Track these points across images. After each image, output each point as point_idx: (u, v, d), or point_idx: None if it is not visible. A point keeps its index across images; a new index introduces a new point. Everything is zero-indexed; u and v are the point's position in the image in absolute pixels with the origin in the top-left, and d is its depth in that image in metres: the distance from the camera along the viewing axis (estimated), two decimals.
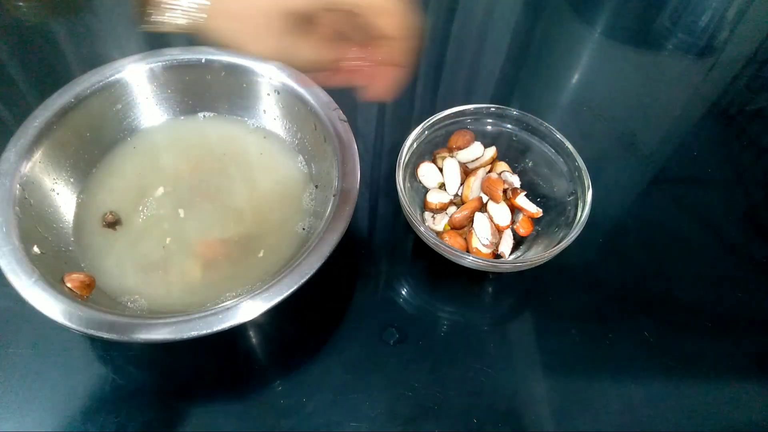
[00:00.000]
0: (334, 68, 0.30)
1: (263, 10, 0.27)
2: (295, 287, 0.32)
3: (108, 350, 0.37)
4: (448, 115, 0.45)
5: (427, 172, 0.45)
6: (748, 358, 0.40)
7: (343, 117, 0.41)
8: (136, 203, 0.42)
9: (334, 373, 0.37)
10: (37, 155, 0.38)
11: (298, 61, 0.29)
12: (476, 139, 0.46)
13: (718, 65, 0.65)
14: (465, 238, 0.42)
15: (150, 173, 0.44)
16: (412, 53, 0.28)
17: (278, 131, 0.47)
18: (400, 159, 0.41)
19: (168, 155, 0.45)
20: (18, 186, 0.36)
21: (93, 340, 0.37)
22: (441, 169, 0.45)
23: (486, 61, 0.63)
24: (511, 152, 0.47)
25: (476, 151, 0.45)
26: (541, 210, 0.43)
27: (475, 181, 0.44)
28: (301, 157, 0.45)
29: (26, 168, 0.37)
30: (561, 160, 0.44)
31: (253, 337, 0.39)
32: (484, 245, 0.41)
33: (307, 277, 0.33)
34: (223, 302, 0.32)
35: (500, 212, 0.42)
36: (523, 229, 0.43)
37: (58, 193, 0.40)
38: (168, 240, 0.40)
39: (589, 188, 0.41)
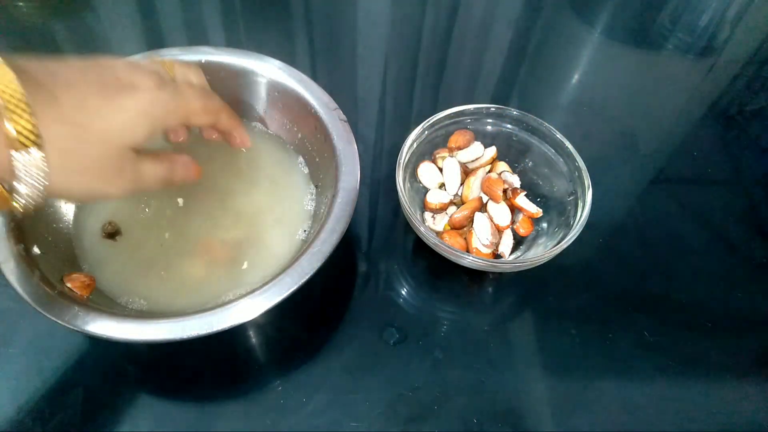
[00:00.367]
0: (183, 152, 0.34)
1: (102, 153, 0.27)
2: (295, 287, 0.32)
3: (108, 350, 0.37)
4: (448, 115, 0.45)
5: (427, 172, 0.45)
6: (748, 358, 0.40)
7: (343, 117, 0.41)
8: (136, 203, 0.42)
9: (334, 373, 0.37)
10: None
11: (150, 183, 0.31)
12: (476, 139, 0.46)
13: (718, 65, 0.65)
14: (465, 238, 0.42)
15: None
16: (234, 117, 0.36)
17: (278, 131, 0.47)
18: (400, 159, 0.41)
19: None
20: None
21: (93, 339, 0.37)
22: (441, 169, 0.45)
23: (486, 61, 0.63)
24: (511, 152, 0.47)
25: (476, 151, 0.45)
26: (541, 210, 0.43)
27: (475, 181, 0.44)
28: (301, 158, 0.45)
29: None
30: (561, 160, 0.44)
31: (253, 337, 0.39)
32: (484, 245, 0.41)
33: (307, 277, 0.33)
34: (223, 302, 0.32)
35: (500, 212, 0.42)
36: (523, 229, 0.43)
37: None
38: (167, 235, 0.40)
39: (589, 188, 0.41)
